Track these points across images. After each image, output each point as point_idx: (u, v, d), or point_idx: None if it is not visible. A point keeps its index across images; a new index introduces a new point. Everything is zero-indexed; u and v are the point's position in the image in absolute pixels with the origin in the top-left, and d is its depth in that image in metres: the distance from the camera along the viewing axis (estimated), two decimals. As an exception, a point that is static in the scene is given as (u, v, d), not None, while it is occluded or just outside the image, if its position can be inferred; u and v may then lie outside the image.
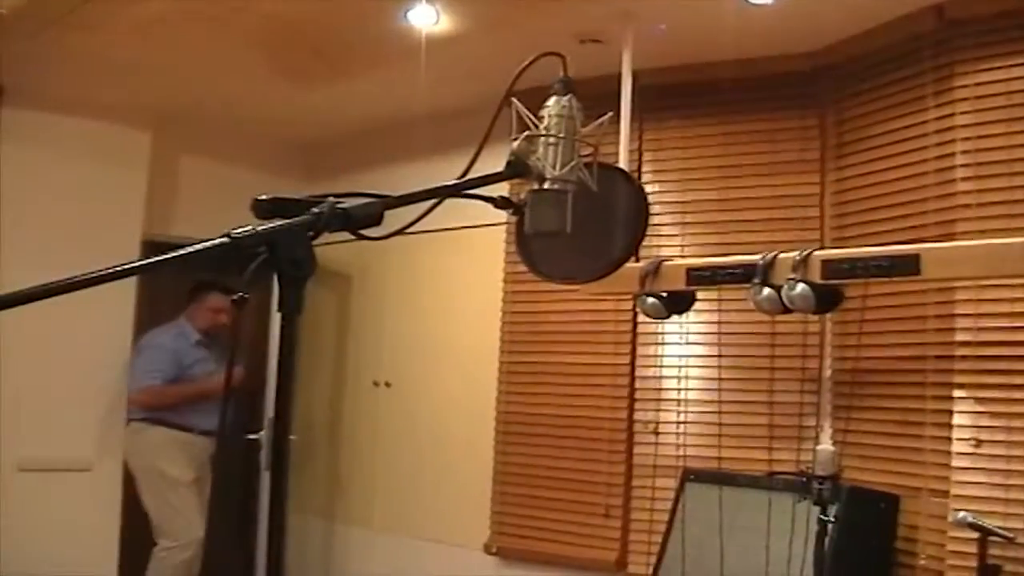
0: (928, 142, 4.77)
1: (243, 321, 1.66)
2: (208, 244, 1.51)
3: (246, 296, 1.56)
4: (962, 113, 4.62)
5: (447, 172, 1.96)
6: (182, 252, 1.51)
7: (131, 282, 6.50)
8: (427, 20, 5.17)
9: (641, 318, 5.46)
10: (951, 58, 4.68)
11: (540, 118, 2.03)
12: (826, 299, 4.13)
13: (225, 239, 1.51)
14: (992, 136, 4.51)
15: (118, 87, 6.44)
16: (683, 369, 5.60)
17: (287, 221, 1.58)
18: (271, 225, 1.56)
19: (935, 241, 4.46)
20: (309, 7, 5.15)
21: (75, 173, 6.68)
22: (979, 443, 4.39)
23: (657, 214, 5.59)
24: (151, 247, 6.86)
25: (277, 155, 7.86)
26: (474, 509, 6.31)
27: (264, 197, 1.61)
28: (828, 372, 5.24)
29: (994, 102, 4.52)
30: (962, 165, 4.59)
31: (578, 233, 2.01)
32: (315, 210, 1.62)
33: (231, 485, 7.21)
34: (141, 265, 1.52)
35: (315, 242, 1.62)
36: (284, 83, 6.29)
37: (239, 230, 1.52)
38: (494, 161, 2.01)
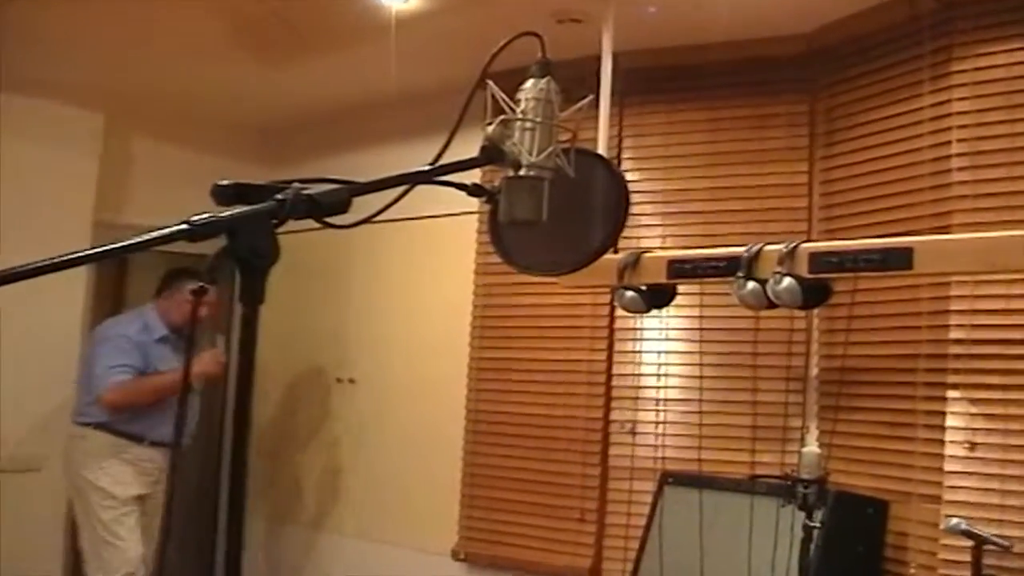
0: (923, 130, 4.79)
1: (202, 312, 1.66)
2: (167, 231, 1.51)
3: (206, 286, 1.57)
4: (959, 99, 4.64)
5: (420, 157, 1.96)
6: (140, 239, 1.51)
7: (81, 270, 6.47)
8: (398, -2, 5.17)
9: (619, 313, 5.47)
10: (950, 41, 4.70)
11: (516, 102, 2.04)
12: (813, 294, 4.14)
13: (185, 226, 1.51)
14: (991, 124, 4.53)
15: (70, 65, 6.41)
16: (662, 367, 5.62)
17: (249, 208, 1.59)
18: (232, 212, 1.57)
19: (929, 234, 4.49)
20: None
21: (23, 154, 6.61)
22: (973, 446, 4.41)
23: (637, 203, 5.59)
24: (103, 229, 6.82)
25: (239, 139, 7.84)
26: (442, 513, 6.31)
27: (225, 182, 1.61)
28: (815, 371, 5.27)
29: (994, 88, 4.54)
30: (958, 154, 4.61)
31: (555, 223, 2.02)
32: (279, 196, 1.62)
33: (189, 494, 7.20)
34: (96, 253, 1.51)
35: (278, 230, 1.62)
36: (247, 63, 6.27)
37: (199, 216, 1.53)
38: (469, 146, 2.01)
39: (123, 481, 6.04)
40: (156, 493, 6.19)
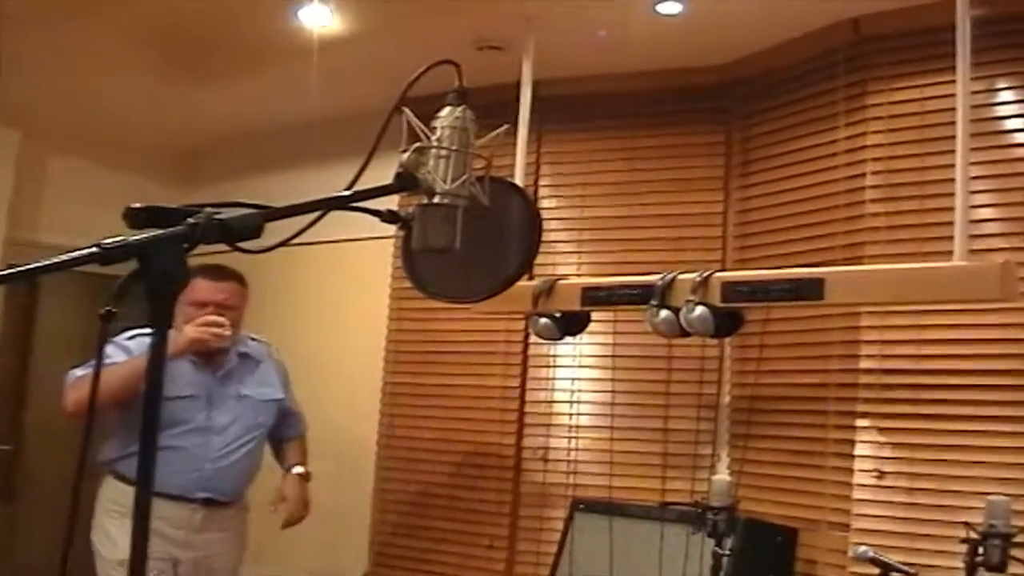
0: (838, 162, 4.85)
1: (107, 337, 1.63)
2: (77, 254, 1.51)
3: (113, 310, 1.56)
4: (874, 132, 4.71)
5: (338, 179, 1.97)
6: (49, 262, 1.51)
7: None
8: (319, 20, 5.15)
9: (533, 339, 5.48)
10: (865, 75, 4.77)
11: (432, 129, 2.05)
12: (726, 323, 4.17)
13: (95, 249, 1.51)
14: (904, 157, 4.60)
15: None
16: (575, 393, 5.63)
17: (160, 232, 1.59)
18: (144, 236, 1.57)
19: (842, 264, 4.54)
20: (194, 3, 5.11)
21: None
22: (881, 475, 4.47)
23: (553, 230, 5.62)
24: (15, 247, 6.74)
25: (156, 159, 7.76)
26: (352, 538, 6.28)
27: (137, 206, 1.62)
28: (726, 399, 5.30)
29: (907, 122, 4.62)
30: (872, 186, 4.68)
31: (468, 250, 2.03)
32: (191, 221, 1.63)
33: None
34: (3, 275, 1.51)
35: (190, 254, 1.62)
36: (166, 83, 6.21)
37: (109, 240, 1.52)
38: (387, 171, 2.02)
39: (123, 539, 4.28)
40: (186, 560, 4.86)
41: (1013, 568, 3.62)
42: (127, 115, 7.03)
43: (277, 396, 5.25)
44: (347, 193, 1.96)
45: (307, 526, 6.62)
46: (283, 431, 5.35)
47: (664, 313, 4.21)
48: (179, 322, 4.77)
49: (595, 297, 4.57)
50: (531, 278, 4.68)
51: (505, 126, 2.18)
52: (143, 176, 7.62)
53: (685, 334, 4.23)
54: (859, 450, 4.56)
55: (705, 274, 4.17)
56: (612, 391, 5.49)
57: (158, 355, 1.62)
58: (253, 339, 5.28)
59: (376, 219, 2.07)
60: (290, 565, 6.67)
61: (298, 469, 5.31)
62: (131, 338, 4.77)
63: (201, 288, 4.87)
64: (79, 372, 4.71)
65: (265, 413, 5.15)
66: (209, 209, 1.66)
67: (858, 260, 4.60)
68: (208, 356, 4.91)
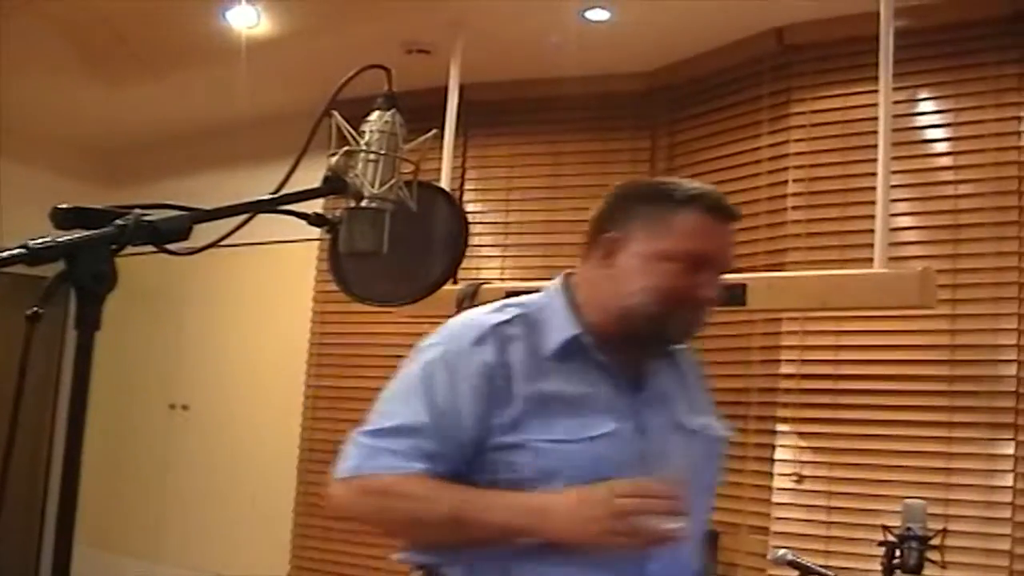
0: (761, 169, 4.89)
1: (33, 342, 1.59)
2: (3, 255, 1.49)
3: (40, 311, 1.55)
4: (796, 140, 4.76)
5: (266, 181, 1.96)
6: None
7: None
8: (246, 21, 5.13)
9: (457, 342, 5.46)
10: (788, 84, 4.83)
11: (361, 133, 2.04)
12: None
13: (22, 250, 1.50)
14: (825, 165, 4.66)
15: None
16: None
17: (89, 233, 1.57)
18: (71, 237, 1.55)
19: (765, 271, 4.58)
20: (119, 1, 5.06)
21: None
22: (801, 478, 4.51)
23: (478, 234, 5.61)
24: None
25: (79, 158, 7.67)
26: (273, 542, 6.25)
27: (64, 206, 1.60)
28: (650, 403, 5.31)
29: (829, 130, 4.68)
30: (794, 194, 4.72)
31: (395, 254, 2.03)
32: (119, 222, 1.61)
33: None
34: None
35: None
36: (89, 81, 6.14)
37: (37, 241, 1.51)
38: (316, 173, 2.01)
39: None
40: None
41: (929, 570, 3.66)
42: (51, 113, 6.95)
43: (723, 432, 2.56)
44: (275, 196, 1.96)
45: (230, 529, 6.59)
46: None
47: (586, 317, 4.20)
48: (624, 284, 2.41)
49: (519, 301, 4.57)
50: (455, 282, 4.67)
51: (433, 131, 2.17)
52: (68, 176, 7.53)
53: (607, 339, 4.23)
54: (779, 454, 4.60)
55: (629, 279, 4.17)
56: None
57: (86, 358, 1.60)
58: None
59: (302, 221, 2.06)
60: (211, 569, 6.63)
61: None
62: (508, 319, 2.50)
63: (704, 230, 2.34)
64: (373, 464, 2.38)
65: (717, 461, 2.58)
66: (138, 211, 1.65)
67: (780, 266, 4.65)
68: (623, 345, 2.41)
